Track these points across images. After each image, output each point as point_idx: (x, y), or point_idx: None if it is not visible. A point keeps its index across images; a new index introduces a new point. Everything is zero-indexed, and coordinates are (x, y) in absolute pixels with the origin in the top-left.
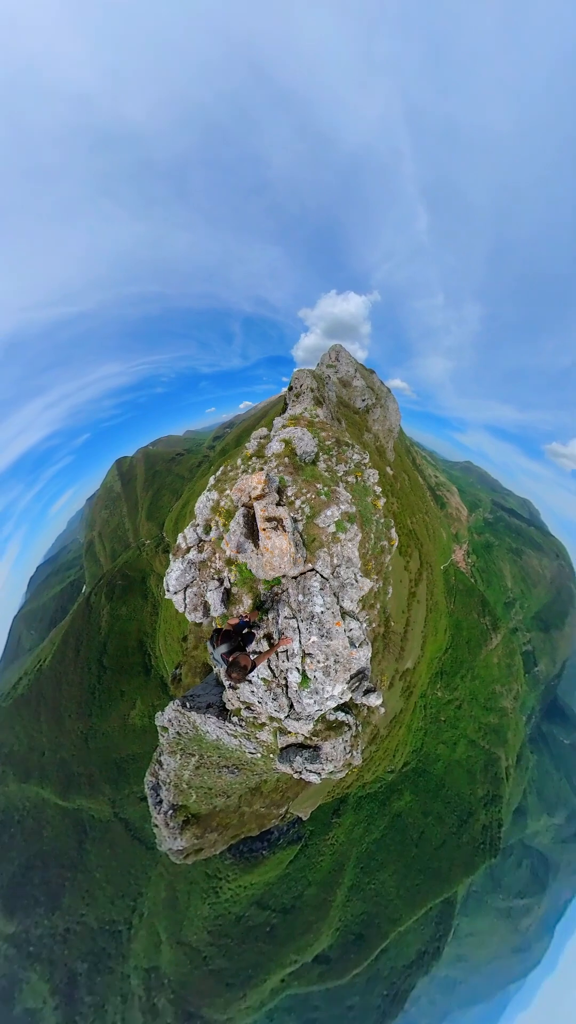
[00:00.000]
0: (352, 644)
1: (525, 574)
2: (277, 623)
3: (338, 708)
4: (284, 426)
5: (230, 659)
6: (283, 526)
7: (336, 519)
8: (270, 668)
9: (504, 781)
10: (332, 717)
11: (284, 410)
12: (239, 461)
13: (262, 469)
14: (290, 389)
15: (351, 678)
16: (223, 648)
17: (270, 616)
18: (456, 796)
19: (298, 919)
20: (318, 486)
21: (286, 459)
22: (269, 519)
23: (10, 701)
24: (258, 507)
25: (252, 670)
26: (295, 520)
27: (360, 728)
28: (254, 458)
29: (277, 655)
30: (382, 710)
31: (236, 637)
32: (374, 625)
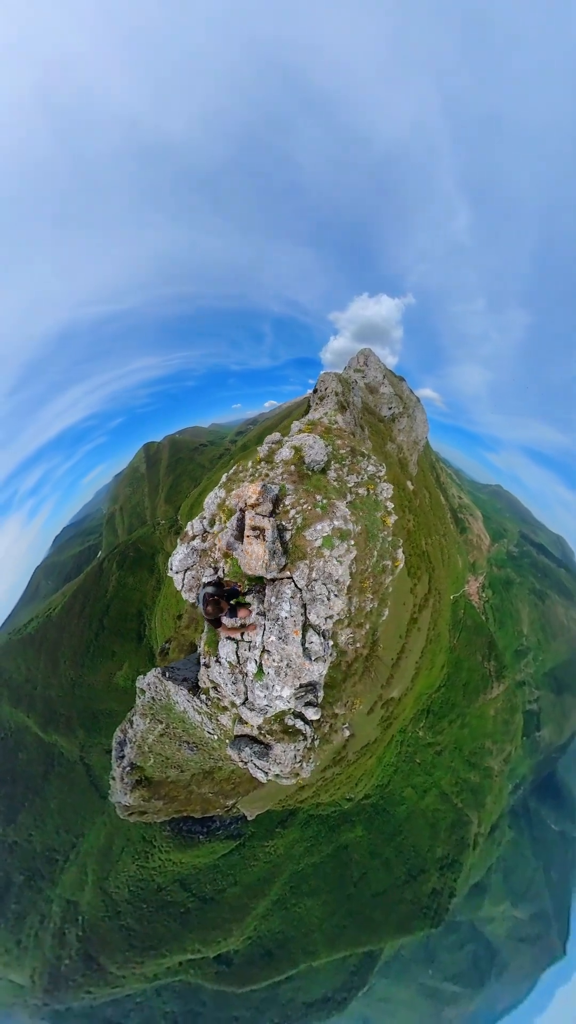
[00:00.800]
0: (307, 656)
1: (546, 622)
2: (251, 614)
3: (298, 716)
4: (300, 431)
5: (212, 597)
6: (264, 536)
7: (325, 534)
8: (236, 654)
9: (469, 849)
10: (291, 723)
11: (307, 412)
12: (250, 463)
13: (265, 476)
14: (315, 391)
15: (300, 687)
16: (210, 589)
17: (249, 608)
18: (412, 848)
19: (214, 912)
20: (317, 497)
21: (292, 467)
22: (254, 527)
23: (19, 636)
24: (248, 515)
25: (219, 623)
26: (283, 530)
27: (316, 743)
28: (262, 463)
29: (243, 636)
30: (347, 733)
31: (224, 591)
32: (358, 645)
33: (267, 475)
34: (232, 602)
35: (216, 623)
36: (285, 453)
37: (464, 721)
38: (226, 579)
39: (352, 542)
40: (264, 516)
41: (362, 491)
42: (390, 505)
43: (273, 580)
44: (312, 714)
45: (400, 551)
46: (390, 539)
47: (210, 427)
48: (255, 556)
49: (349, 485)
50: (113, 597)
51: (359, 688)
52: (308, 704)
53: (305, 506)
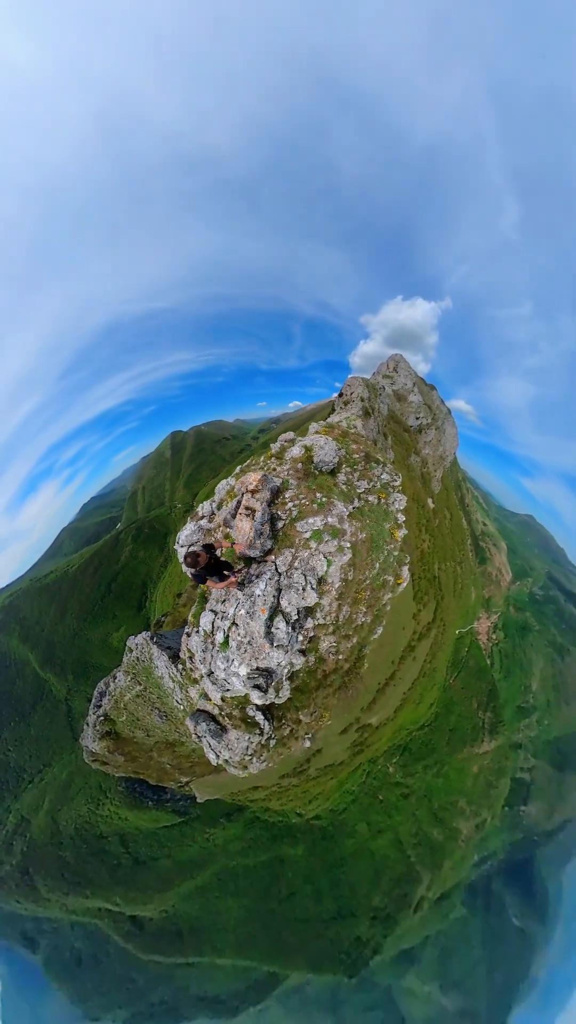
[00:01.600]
0: (269, 639)
1: (561, 682)
2: (234, 584)
3: (259, 709)
4: (316, 432)
5: (196, 553)
6: (253, 516)
7: (315, 528)
8: (212, 624)
9: (410, 910)
10: (252, 714)
11: (330, 416)
12: (262, 458)
13: (272, 470)
14: (340, 395)
15: (257, 669)
16: (199, 548)
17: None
18: (348, 886)
19: (141, 875)
20: (317, 495)
21: (299, 464)
22: (247, 508)
23: (39, 584)
24: (246, 498)
25: (201, 576)
26: (276, 518)
27: (272, 742)
28: (273, 458)
29: (228, 591)
30: (307, 744)
31: (212, 554)
32: (340, 657)
33: (274, 469)
34: (224, 571)
35: (199, 579)
36: (295, 451)
37: (441, 770)
38: (217, 541)
39: (347, 544)
40: (258, 500)
41: (372, 498)
42: (401, 518)
43: (258, 560)
44: (257, 698)
45: (406, 569)
46: (396, 554)
47: (234, 422)
48: (242, 532)
49: (359, 490)
50: (124, 566)
51: (331, 702)
52: (256, 687)
53: (303, 501)
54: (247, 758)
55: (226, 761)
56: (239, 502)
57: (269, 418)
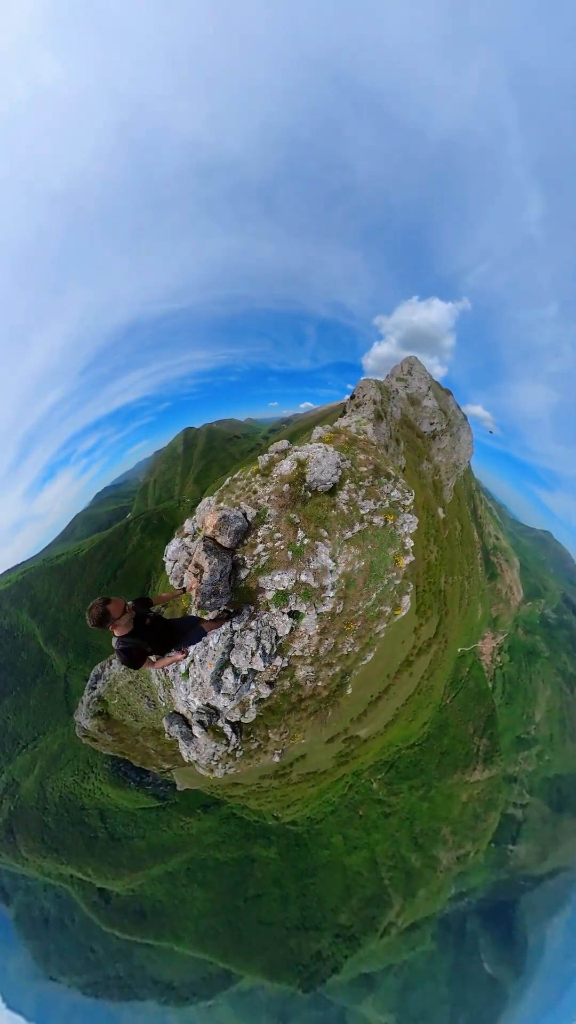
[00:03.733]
0: (216, 687)
1: (568, 716)
2: (186, 655)
3: (227, 721)
4: (321, 438)
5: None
6: (200, 578)
7: (281, 588)
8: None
9: (376, 934)
10: (220, 725)
11: (340, 418)
12: (250, 472)
13: (254, 493)
14: (352, 398)
15: (206, 705)
16: (129, 601)
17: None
18: (316, 897)
19: (115, 851)
20: (299, 534)
21: (286, 486)
22: (196, 564)
23: (50, 564)
24: (197, 547)
25: (132, 655)
26: (240, 566)
27: (238, 754)
28: (259, 474)
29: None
30: (276, 759)
31: (148, 612)
32: (319, 684)
33: (255, 492)
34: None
35: (129, 657)
36: (285, 467)
37: (427, 793)
38: (158, 596)
39: (330, 594)
40: (210, 553)
41: (378, 520)
42: (409, 543)
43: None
44: (198, 732)
45: (407, 598)
46: (398, 583)
47: (246, 421)
48: (191, 590)
49: (363, 512)
50: (130, 554)
51: (304, 724)
52: (199, 722)
53: (278, 544)
54: (213, 763)
55: (195, 761)
56: (191, 554)
57: (280, 418)
